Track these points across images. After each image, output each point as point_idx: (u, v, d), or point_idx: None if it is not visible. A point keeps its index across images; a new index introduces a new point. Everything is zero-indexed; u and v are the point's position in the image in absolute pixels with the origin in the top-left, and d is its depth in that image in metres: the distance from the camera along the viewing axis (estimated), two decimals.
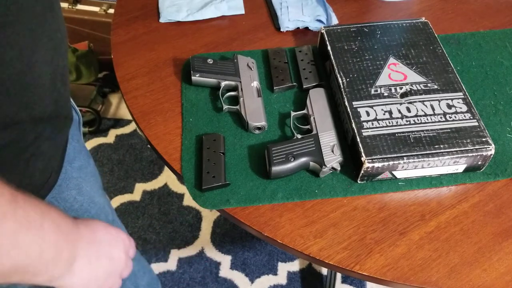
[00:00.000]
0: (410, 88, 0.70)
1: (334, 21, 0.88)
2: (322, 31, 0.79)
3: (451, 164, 0.64)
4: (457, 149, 0.63)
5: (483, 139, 0.64)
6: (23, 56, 0.46)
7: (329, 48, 0.76)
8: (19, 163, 0.52)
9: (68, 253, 0.45)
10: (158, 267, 1.48)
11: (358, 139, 0.64)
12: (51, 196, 0.59)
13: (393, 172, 0.64)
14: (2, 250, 0.37)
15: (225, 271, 1.47)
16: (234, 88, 0.76)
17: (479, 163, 0.65)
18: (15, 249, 0.38)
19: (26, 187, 0.55)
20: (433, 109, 0.67)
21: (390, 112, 0.67)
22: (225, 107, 0.73)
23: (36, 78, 0.49)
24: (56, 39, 0.52)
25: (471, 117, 0.67)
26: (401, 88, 0.70)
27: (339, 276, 1.44)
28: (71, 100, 0.65)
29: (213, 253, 1.51)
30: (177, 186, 1.67)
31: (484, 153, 0.64)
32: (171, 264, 1.49)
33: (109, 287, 0.54)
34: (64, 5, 1.72)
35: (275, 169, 0.64)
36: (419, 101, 0.68)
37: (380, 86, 0.70)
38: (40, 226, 0.41)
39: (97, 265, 0.50)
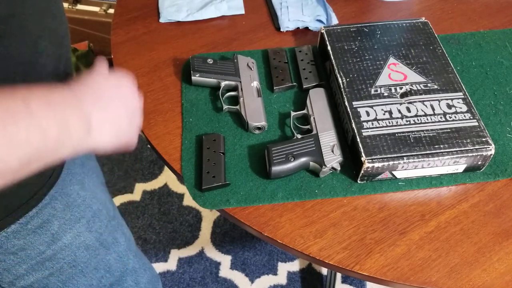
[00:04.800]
0: (410, 88, 0.70)
1: (334, 21, 0.88)
2: (322, 31, 0.79)
3: (451, 164, 0.64)
4: (457, 149, 0.63)
5: (483, 139, 0.64)
6: (27, 47, 0.47)
7: (329, 48, 0.76)
8: None
9: (76, 118, 0.44)
10: (158, 267, 1.48)
11: (358, 139, 0.64)
12: (54, 191, 0.59)
13: (393, 172, 0.64)
14: None
15: (225, 271, 1.47)
16: (234, 88, 0.76)
17: (479, 163, 0.65)
18: (11, 144, 0.37)
19: (29, 182, 0.55)
20: (433, 109, 0.67)
21: (390, 112, 0.67)
22: (225, 107, 0.73)
23: (39, 69, 0.49)
24: (59, 32, 0.53)
25: (471, 117, 0.67)
26: (401, 88, 0.70)
27: (339, 276, 1.44)
28: None
29: (213, 253, 1.51)
30: (177, 186, 1.67)
31: (484, 153, 0.64)
32: (171, 264, 1.49)
33: (136, 127, 0.53)
34: (64, 5, 1.72)
35: (275, 169, 0.64)
36: (419, 101, 0.68)
37: (380, 86, 0.70)
38: (26, 110, 0.38)
39: (114, 112, 0.49)
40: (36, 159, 0.40)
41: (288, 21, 0.87)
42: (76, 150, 0.45)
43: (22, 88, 0.40)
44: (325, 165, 0.65)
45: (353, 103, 0.68)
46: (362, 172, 0.63)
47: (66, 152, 0.43)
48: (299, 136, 0.68)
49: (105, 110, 0.48)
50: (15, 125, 0.37)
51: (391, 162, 0.62)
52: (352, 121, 0.66)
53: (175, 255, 1.51)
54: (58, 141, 0.41)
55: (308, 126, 0.71)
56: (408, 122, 0.66)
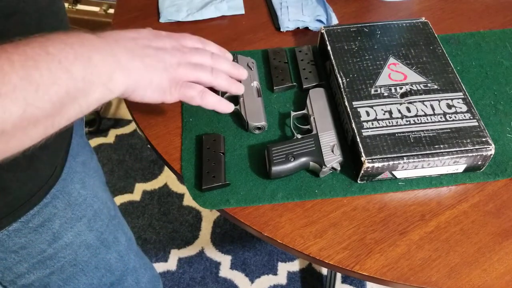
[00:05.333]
0: (410, 88, 0.70)
1: (334, 21, 0.88)
2: (322, 31, 0.79)
3: (451, 164, 0.65)
4: (457, 149, 0.63)
5: (483, 139, 0.64)
6: None
7: (329, 48, 0.76)
8: (25, 156, 0.52)
9: (99, 54, 0.43)
10: (158, 267, 1.48)
11: (358, 139, 0.64)
12: (56, 190, 0.59)
13: (393, 172, 0.65)
14: (17, 96, 0.35)
15: (225, 271, 1.48)
16: None
17: (479, 163, 0.65)
18: (37, 87, 0.37)
19: (31, 180, 0.55)
20: (433, 109, 0.67)
21: (390, 112, 0.67)
22: None
23: None
24: (60, 31, 0.53)
25: (471, 117, 0.67)
26: (401, 88, 0.70)
27: (339, 276, 1.45)
28: None
29: (213, 253, 1.51)
30: (177, 186, 1.67)
31: (484, 153, 0.64)
32: (171, 264, 1.49)
33: (170, 83, 0.55)
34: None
35: (275, 169, 0.64)
36: (419, 101, 0.68)
37: (380, 86, 0.70)
38: (44, 53, 0.38)
39: (144, 60, 0.49)
40: (69, 101, 0.39)
41: (288, 21, 0.87)
42: (109, 90, 0.44)
43: (37, 37, 0.40)
44: (325, 165, 0.65)
45: (353, 103, 0.68)
46: (362, 172, 0.63)
47: (98, 92, 0.42)
48: (299, 136, 0.68)
49: (133, 54, 0.48)
50: (36, 68, 0.37)
51: (391, 162, 0.62)
52: (352, 121, 0.66)
53: (175, 255, 1.51)
54: (85, 79, 0.41)
55: (308, 126, 0.71)
56: (408, 122, 0.66)
